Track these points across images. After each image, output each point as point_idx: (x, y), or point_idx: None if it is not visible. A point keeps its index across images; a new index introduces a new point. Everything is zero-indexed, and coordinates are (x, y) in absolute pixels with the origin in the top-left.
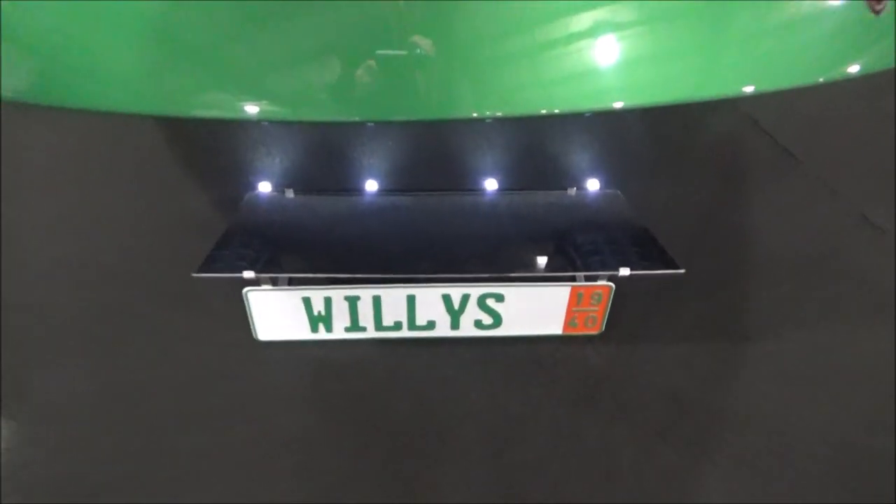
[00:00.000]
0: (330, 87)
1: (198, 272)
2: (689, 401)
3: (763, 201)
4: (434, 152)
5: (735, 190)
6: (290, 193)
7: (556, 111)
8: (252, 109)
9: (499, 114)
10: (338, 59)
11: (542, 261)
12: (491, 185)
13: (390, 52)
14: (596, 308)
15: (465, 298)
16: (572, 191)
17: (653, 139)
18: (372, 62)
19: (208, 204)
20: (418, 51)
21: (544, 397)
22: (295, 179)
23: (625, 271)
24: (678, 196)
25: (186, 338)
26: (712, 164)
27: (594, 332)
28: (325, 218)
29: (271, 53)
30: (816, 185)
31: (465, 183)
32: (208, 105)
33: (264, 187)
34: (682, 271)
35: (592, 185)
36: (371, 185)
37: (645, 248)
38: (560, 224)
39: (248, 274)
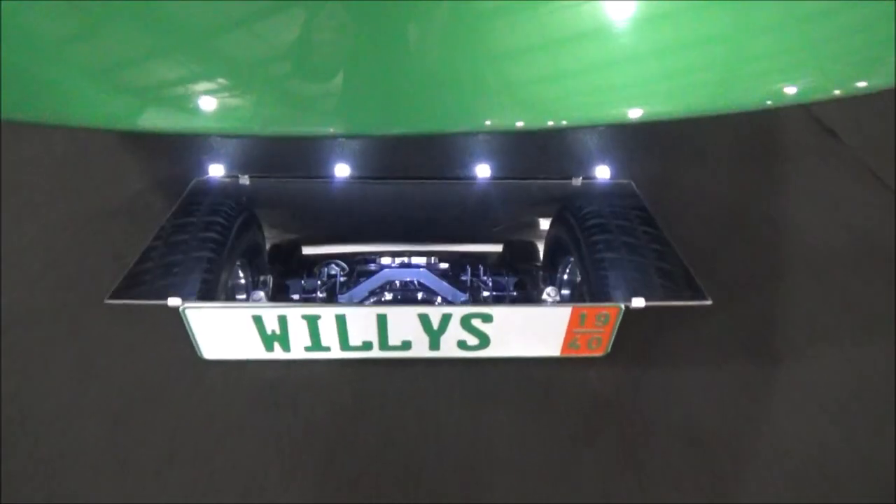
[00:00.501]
0: (332, 99)
1: (111, 297)
2: (709, 437)
3: (798, 189)
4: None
5: (767, 176)
6: (244, 180)
7: (568, 123)
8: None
9: (517, 125)
10: (339, 68)
11: (534, 278)
12: (483, 171)
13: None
14: (601, 329)
15: (447, 318)
16: (577, 180)
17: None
18: (375, 72)
19: (153, 187)
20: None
21: (536, 432)
22: (252, 162)
23: (638, 302)
24: (699, 185)
25: (118, 352)
26: (740, 146)
27: (598, 353)
28: (286, 212)
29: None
30: (860, 170)
31: (450, 170)
32: (213, 119)
33: (216, 171)
34: (709, 302)
35: (602, 173)
36: (342, 170)
37: (663, 265)
38: (559, 224)
39: (174, 301)
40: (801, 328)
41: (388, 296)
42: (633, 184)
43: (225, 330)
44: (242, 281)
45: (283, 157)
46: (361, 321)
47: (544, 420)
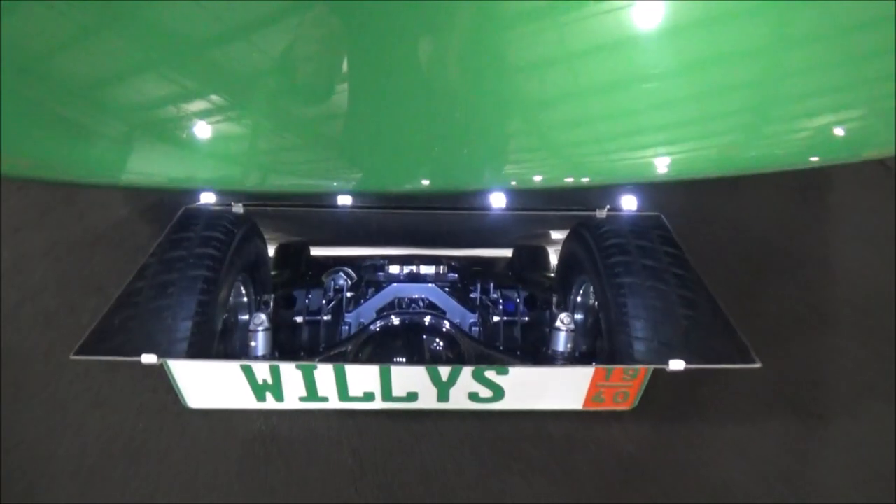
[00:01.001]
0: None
1: (77, 352)
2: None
3: (843, 224)
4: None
5: (809, 209)
6: (238, 208)
7: (590, 181)
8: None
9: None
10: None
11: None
12: (498, 200)
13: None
14: (629, 383)
15: (457, 371)
16: (602, 212)
17: None
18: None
19: (139, 213)
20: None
21: (555, 494)
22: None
23: (677, 364)
24: (734, 218)
25: (94, 399)
26: (778, 176)
27: (624, 408)
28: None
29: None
30: None
31: (463, 198)
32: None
33: (207, 198)
34: (758, 365)
35: (628, 203)
36: (347, 198)
37: (701, 319)
38: (579, 266)
39: (149, 358)
40: (850, 381)
41: (396, 319)
42: (662, 217)
43: (212, 379)
44: (245, 299)
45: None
46: (360, 374)
47: (564, 483)
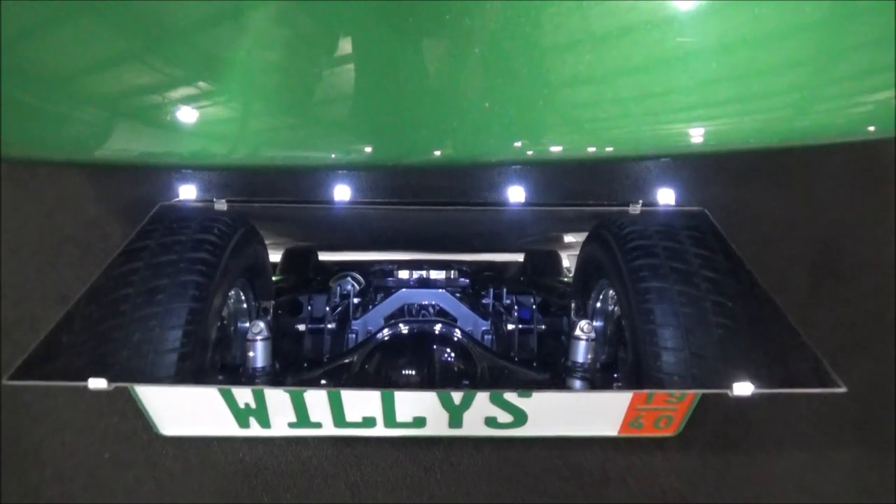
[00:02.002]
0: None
1: (12, 377)
2: None
3: None
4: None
5: (866, 205)
6: (220, 204)
7: (613, 151)
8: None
9: (554, 151)
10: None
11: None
12: (517, 195)
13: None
14: (674, 406)
15: (471, 396)
16: (636, 207)
17: None
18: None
19: (112, 213)
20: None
21: None
22: (231, 182)
23: (742, 389)
24: (784, 215)
25: (55, 424)
26: (832, 168)
27: (668, 434)
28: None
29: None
30: None
31: (478, 193)
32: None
33: (187, 193)
34: (843, 390)
35: (665, 197)
36: (346, 192)
37: (761, 331)
38: (599, 269)
39: (98, 383)
40: None
41: (404, 328)
42: (706, 212)
43: (186, 403)
44: (245, 306)
45: (269, 176)
46: (357, 399)
47: None
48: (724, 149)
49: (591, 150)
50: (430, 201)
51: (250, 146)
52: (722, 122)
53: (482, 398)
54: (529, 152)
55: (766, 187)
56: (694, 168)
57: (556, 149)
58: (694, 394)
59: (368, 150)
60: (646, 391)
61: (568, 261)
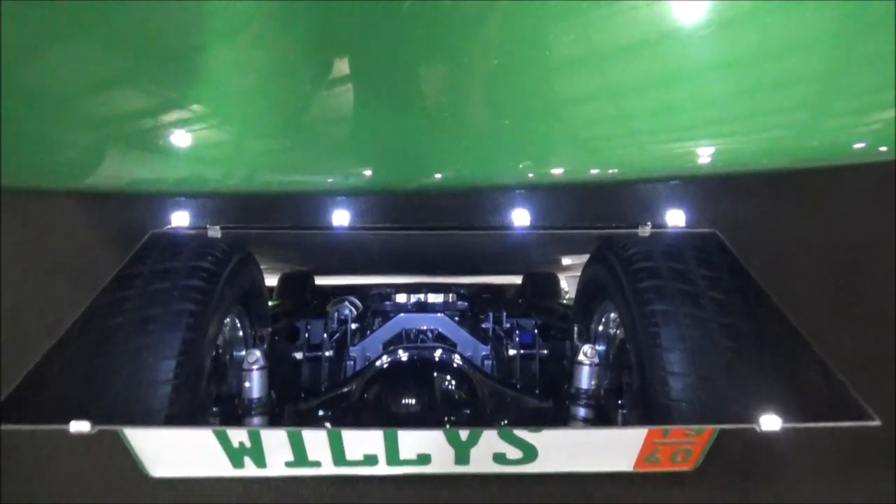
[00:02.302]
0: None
1: None
2: None
3: None
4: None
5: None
6: (214, 231)
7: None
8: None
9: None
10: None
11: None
12: (521, 218)
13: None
14: (692, 440)
15: (477, 434)
16: (645, 229)
17: None
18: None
19: (104, 239)
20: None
21: None
22: (227, 208)
23: (770, 424)
24: (802, 234)
25: (38, 464)
26: (854, 183)
27: (686, 468)
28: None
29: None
30: None
31: (480, 216)
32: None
33: (179, 220)
34: (877, 423)
35: (675, 219)
36: (344, 217)
37: (778, 356)
38: (602, 292)
39: (80, 426)
40: None
41: (404, 354)
42: (718, 234)
43: (177, 444)
44: (241, 333)
45: (265, 201)
46: (357, 439)
47: None
48: (733, 170)
49: (596, 172)
50: (432, 226)
51: (246, 171)
52: (731, 142)
53: (490, 434)
54: (531, 174)
55: (779, 204)
56: (703, 186)
57: (560, 171)
58: (715, 430)
59: (368, 173)
60: (661, 427)
61: (566, 283)
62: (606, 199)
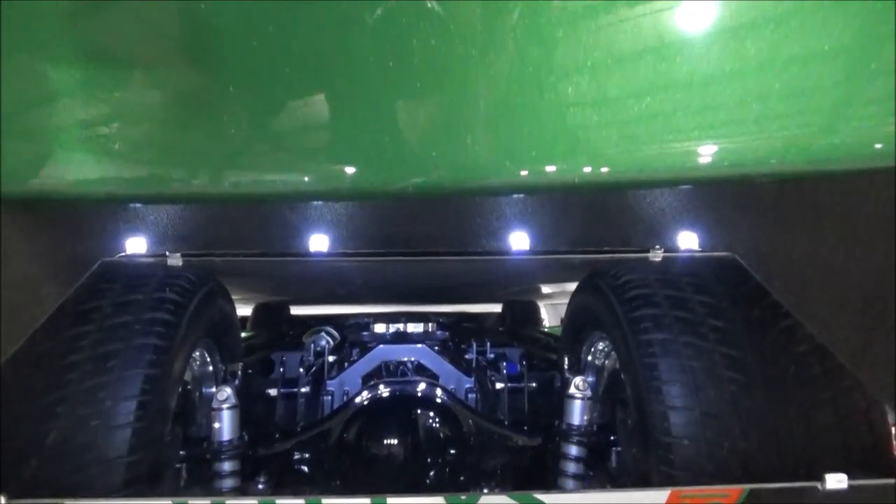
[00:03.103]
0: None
1: None
2: None
3: None
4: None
5: None
6: (175, 259)
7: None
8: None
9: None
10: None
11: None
12: (519, 242)
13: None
14: (725, 493)
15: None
16: (657, 253)
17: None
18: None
19: (48, 272)
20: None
21: None
22: (188, 234)
23: (837, 481)
24: (823, 259)
25: None
26: (877, 204)
27: None
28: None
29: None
30: None
31: (473, 240)
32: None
33: (135, 247)
34: None
35: (687, 242)
36: (321, 243)
37: (815, 396)
38: (593, 321)
39: None
40: None
41: (385, 390)
42: (736, 257)
43: None
44: (210, 368)
45: (234, 226)
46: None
47: None
48: (736, 172)
49: (588, 170)
50: (421, 252)
51: (214, 172)
52: (735, 144)
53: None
54: (524, 172)
55: (798, 225)
56: (716, 208)
57: (554, 170)
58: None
59: (348, 174)
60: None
61: (545, 311)
62: (610, 222)
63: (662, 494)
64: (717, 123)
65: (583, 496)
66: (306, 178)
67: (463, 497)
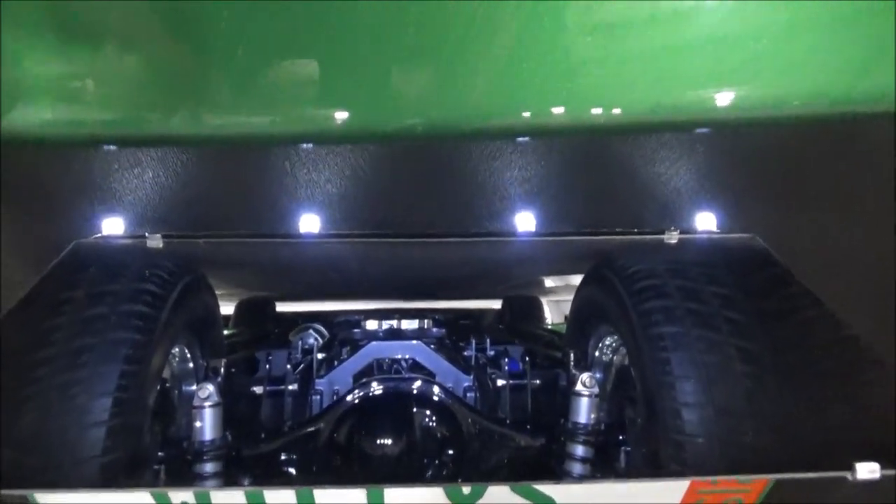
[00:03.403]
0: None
1: None
2: None
3: None
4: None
5: None
6: (155, 241)
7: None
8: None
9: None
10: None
11: None
12: (524, 222)
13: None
14: (747, 488)
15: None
16: (672, 234)
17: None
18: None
19: (17, 258)
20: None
21: None
22: (170, 216)
23: (868, 470)
24: (848, 244)
25: None
26: None
27: None
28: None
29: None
30: None
31: (473, 222)
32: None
33: (112, 227)
34: None
35: (704, 223)
36: (311, 224)
37: (840, 387)
38: (599, 315)
39: None
40: None
41: (378, 387)
42: (758, 238)
43: None
44: (191, 365)
45: (217, 207)
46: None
47: None
48: (754, 116)
49: (598, 112)
50: (419, 233)
51: (195, 111)
52: (752, 86)
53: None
54: (528, 114)
55: (821, 209)
56: (731, 189)
57: (561, 112)
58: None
59: (340, 114)
60: (708, 479)
61: (548, 307)
62: (620, 203)
63: (680, 486)
64: (736, 63)
65: (593, 487)
66: (294, 120)
67: (465, 490)
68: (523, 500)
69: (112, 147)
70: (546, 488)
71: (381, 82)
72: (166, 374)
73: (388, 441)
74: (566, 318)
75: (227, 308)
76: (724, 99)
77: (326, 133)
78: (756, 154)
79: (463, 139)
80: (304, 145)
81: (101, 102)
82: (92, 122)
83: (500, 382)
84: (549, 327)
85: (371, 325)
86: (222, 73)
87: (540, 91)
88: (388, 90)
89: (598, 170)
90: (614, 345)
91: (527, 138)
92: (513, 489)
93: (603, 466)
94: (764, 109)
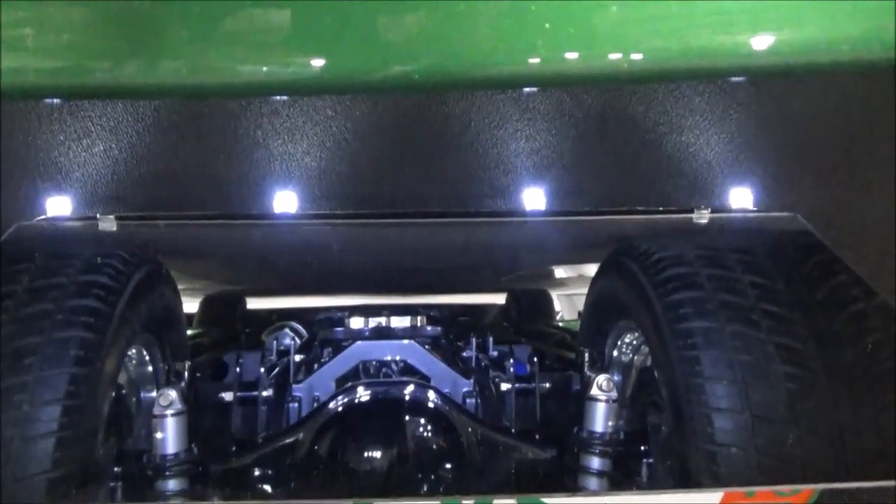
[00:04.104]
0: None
1: None
2: None
3: None
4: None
5: None
6: (108, 223)
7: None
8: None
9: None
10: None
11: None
12: (534, 201)
13: None
14: (788, 501)
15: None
16: (703, 213)
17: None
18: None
19: None
20: None
21: None
22: (126, 194)
23: None
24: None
25: None
26: None
27: None
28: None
29: None
30: None
31: (478, 200)
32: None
33: (57, 208)
34: None
35: (739, 199)
36: (288, 201)
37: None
38: (619, 309)
39: None
40: None
41: (364, 393)
42: (799, 217)
43: None
44: (150, 368)
45: (177, 181)
46: None
47: None
48: (786, 62)
49: (616, 57)
50: (411, 212)
51: (153, 61)
52: (786, 30)
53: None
54: (536, 60)
55: (870, 186)
56: (771, 156)
57: (575, 58)
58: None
59: (318, 59)
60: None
61: (559, 302)
62: (645, 178)
63: (712, 499)
64: (768, 6)
65: (611, 500)
66: (265, 68)
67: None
68: None
69: (56, 101)
70: (557, 502)
71: (364, 22)
72: (122, 378)
73: (377, 454)
74: (580, 313)
75: (191, 305)
76: (762, 42)
77: (300, 82)
78: (801, 111)
79: (461, 90)
80: (276, 98)
81: (45, 49)
82: (34, 71)
83: (504, 387)
84: (561, 324)
85: (356, 322)
86: (179, 12)
87: (550, 33)
88: (373, 32)
89: (616, 132)
90: (635, 343)
91: (535, 89)
92: (520, 502)
93: (622, 481)
94: (809, 54)
